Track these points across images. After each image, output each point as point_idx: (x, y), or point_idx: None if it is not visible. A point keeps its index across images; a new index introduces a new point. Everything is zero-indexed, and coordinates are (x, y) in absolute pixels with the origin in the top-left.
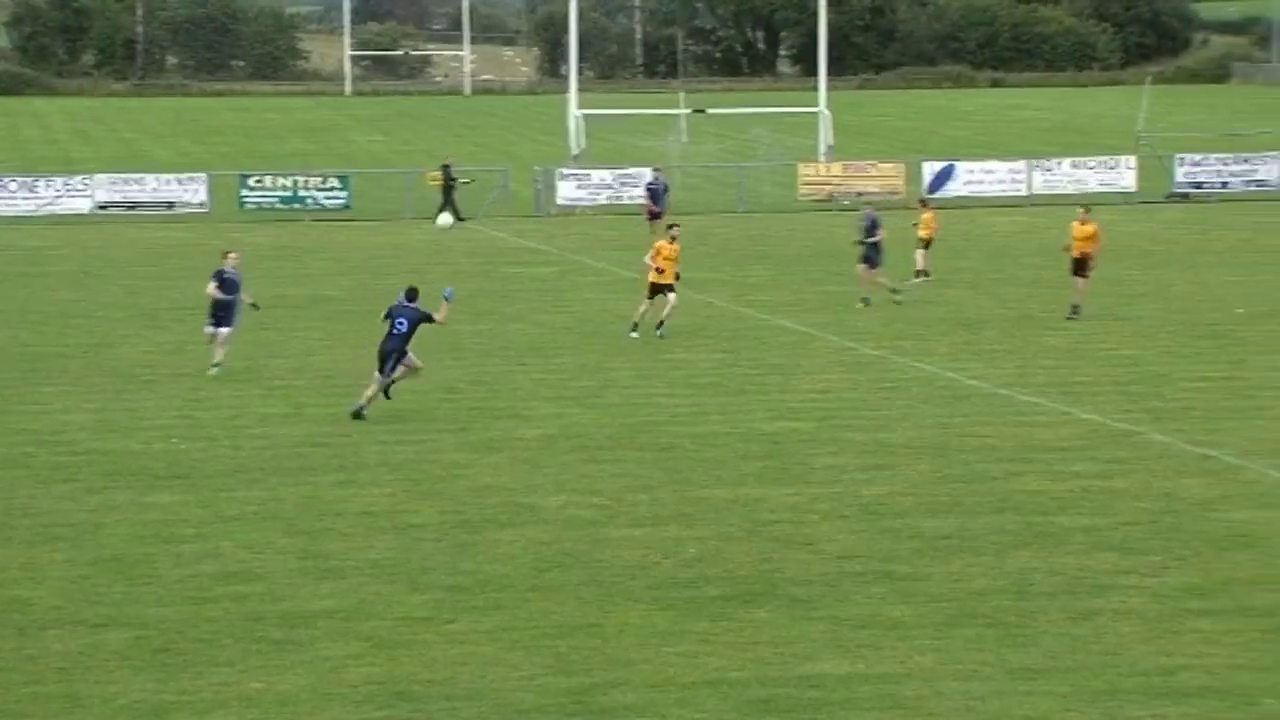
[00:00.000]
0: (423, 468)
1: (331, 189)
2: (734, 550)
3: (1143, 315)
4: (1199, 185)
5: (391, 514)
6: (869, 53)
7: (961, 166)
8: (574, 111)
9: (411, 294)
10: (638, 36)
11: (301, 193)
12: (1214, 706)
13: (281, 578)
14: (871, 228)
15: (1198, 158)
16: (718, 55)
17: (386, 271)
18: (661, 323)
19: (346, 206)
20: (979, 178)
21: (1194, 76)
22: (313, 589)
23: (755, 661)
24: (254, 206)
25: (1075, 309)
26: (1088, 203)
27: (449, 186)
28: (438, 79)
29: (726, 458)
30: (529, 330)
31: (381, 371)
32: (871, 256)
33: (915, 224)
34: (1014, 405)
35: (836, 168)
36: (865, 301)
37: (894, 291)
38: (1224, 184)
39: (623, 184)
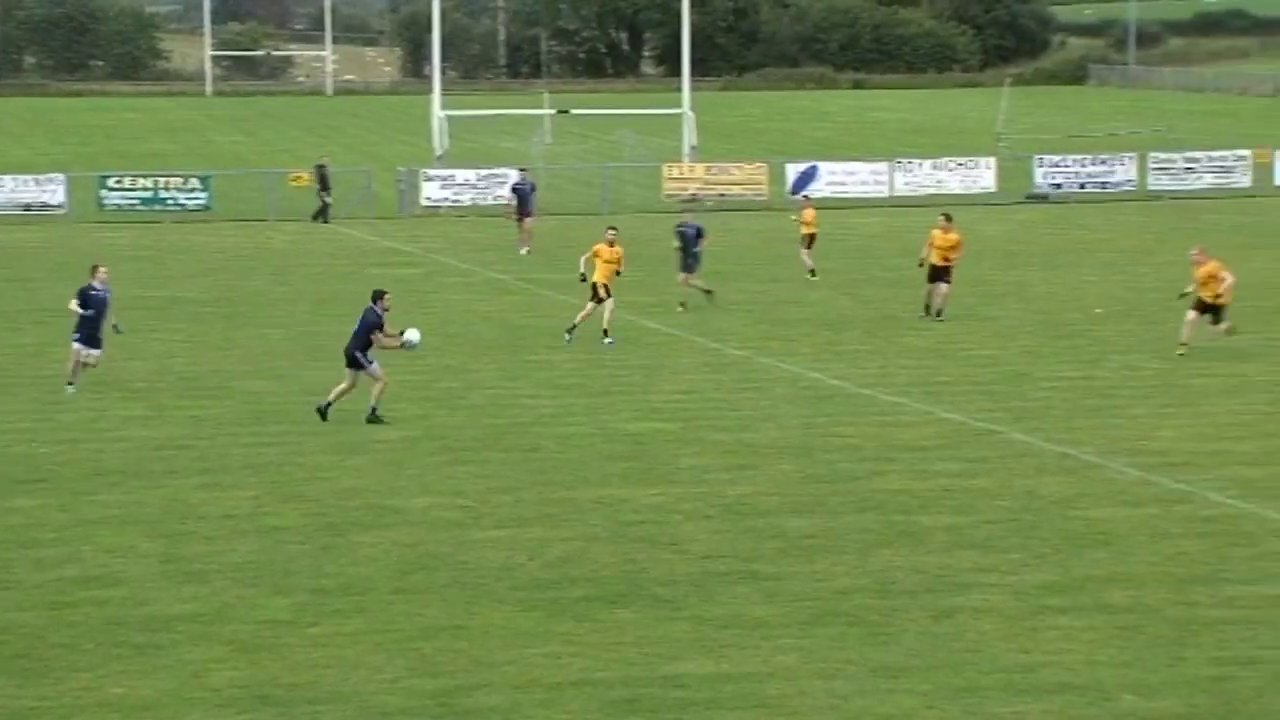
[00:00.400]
0: (286, 470)
1: (192, 190)
2: (598, 551)
3: (1002, 315)
4: (1058, 186)
5: (254, 517)
6: (732, 54)
7: (824, 167)
8: (437, 112)
9: (375, 295)
10: (501, 37)
11: (162, 194)
12: (1073, 702)
13: (143, 582)
14: (695, 237)
15: (1056, 159)
16: (581, 56)
17: (248, 273)
18: (606, 331)
19: (207, 207)
20: (841, 179)
21: (1052, 78)
22: (175, 593)
23: (620, 662)
24: (114, 208)
25: (938, 313)
26: (948, 209)
27: (325, 187)
28: (300, 79)
29: (591, 458)
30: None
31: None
32: (691, 265)
33: (796, 219)
34: (876, 405)
35: (700, 169)
36: (683, 306)
37: (708, 293)
38: (1082, 185)
39: (487, 185)
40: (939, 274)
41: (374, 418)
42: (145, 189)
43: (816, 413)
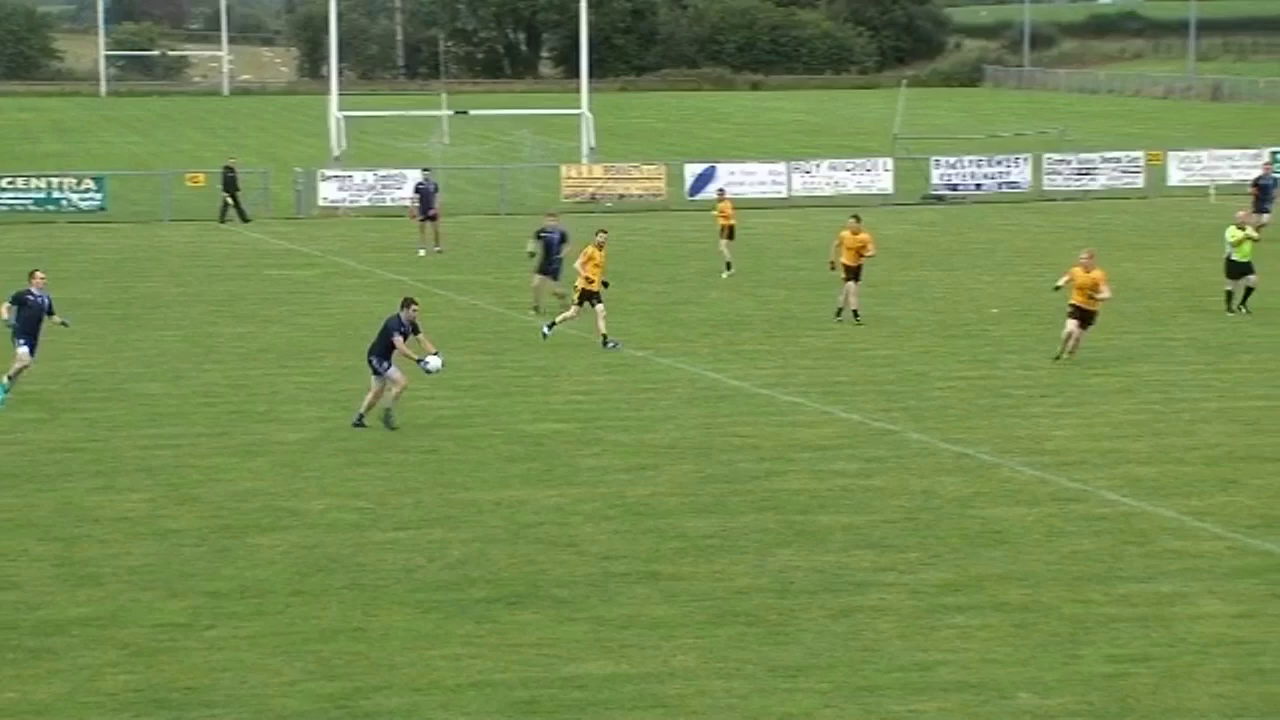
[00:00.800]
0: (182, 472)
1: (86, 191)
2: (498, 552)
3: (900, 316)
4: (954, 187)
5: (150, 519)
6: (630, 55)
7: (723, 168)
8: (335, 113)
9: (403, 302)
10: (399, 38)
11: (55, 194)
12: (969, 701)
13: (36, 585)
14: (559, 243)
15: (952, 160)
16: (479, 57)
17: (143, 274)
18: (605, 336)
19: (102, 208)
20: (739, 179)
21: (948, 80)
22: (69, 596)
23: (519, 663)
24: (6, 209)
25: (855, 313)
26: (848, 209)
27: (232, 189)
28: (196, 80)
29: (490, 460)
30: (290, 333)
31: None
32: (553, 270)
33: (715, 212)
34: (775, 405)
35: (599, 169)
36: (536, 309)
37: (560, 296)
38: (978, 185)
39: (385, 185)
40: (852, 273)
41: (388, 422)
42: (38, 189)
43: (716, 413)
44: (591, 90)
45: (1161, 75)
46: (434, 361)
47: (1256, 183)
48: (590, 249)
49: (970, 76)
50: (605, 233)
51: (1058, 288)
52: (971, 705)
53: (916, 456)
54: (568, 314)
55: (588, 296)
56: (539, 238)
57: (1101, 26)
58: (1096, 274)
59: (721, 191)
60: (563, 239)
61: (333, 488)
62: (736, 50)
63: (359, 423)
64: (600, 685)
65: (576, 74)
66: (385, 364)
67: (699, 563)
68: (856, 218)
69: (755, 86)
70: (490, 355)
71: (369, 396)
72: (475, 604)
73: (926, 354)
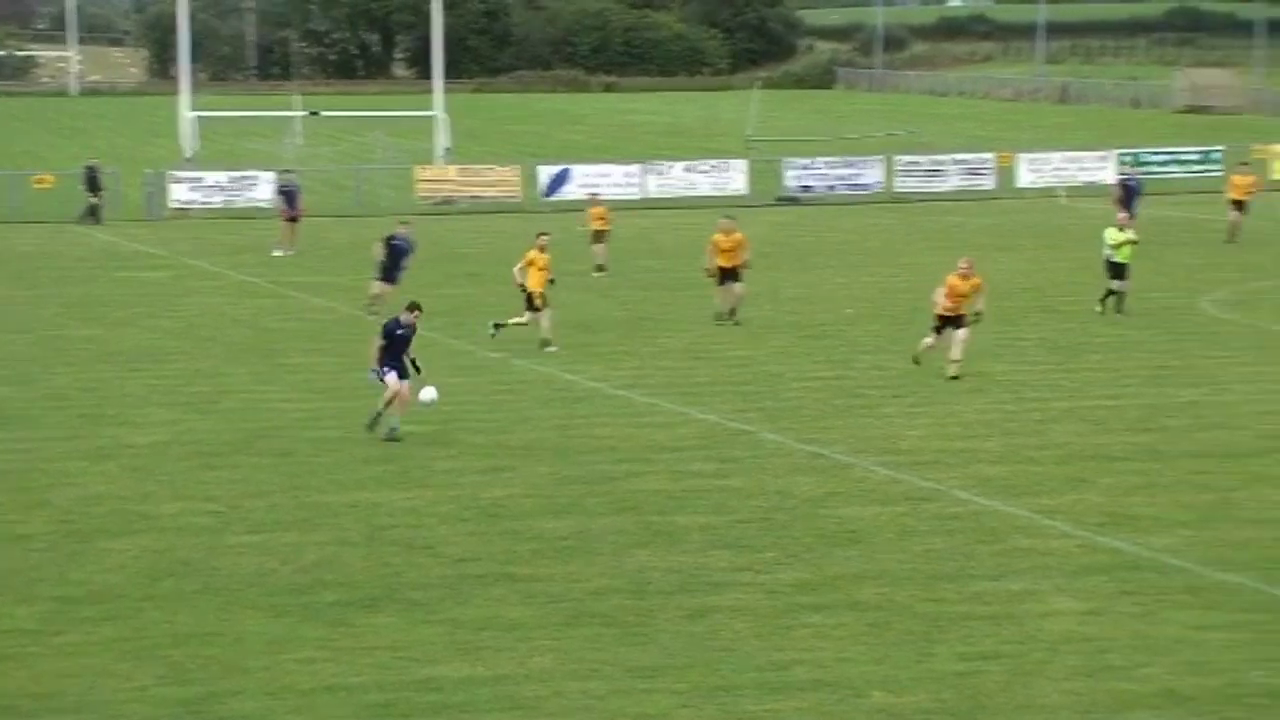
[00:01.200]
0: (30, 476)
1: None
2: (352, 556)
3: (756, 316)
4: (807, 188)
5: None
6: (485, 56)
7: (578, 170)
8: (186, 113)
9: (409, 306)
10: (251, 38)
11: None
12: (825, 699)
13: None
14: (407, 252)
15: (805, 161)
16: (332, 58)
17: None
18: (548, 341)
19: None
20: (594, 181)
21: (800, 81)
22: None
23: (374, 667)
24: None
25: (731, 313)
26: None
27: (95, 188)
28: (44, 80)
29: (345, 462)
30: (141, 335)
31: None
32: (394, 277)
33: (584, 223)
34: (632, 406)
35: (454, 171)
36: (375, 313)
37: (374, 301)
38: (831, 187)
39: (238, 187)
40: (728, 275)
41: (374, 422)
42: None
43: (572, 414)
44: (446, 91)
45: (1010, 77)
46: (427, 394)
47: (1122, 185)
48: (532, 253)
49: (822, 78)
50: (547, 234)
51: (935, 304)
52: (827, 704)
53: (772, 457)
54: (520, 319)
55: (532, 301)
56: (388, 243)
57: (952, 29)
58: (975, 281)
59: (593, 195)
60: (410, 249)
61: (185, 491)
62: (591, 52)
63: (393, 435)
64: (456, 688)
65: (430, 75)
66: (385, 369)
67: (555, 564)
68: (730, 218)
69: (610, 88)
70: (344, 357)
71: (394, 402)
72: (329, 607)
73: (782, 355)
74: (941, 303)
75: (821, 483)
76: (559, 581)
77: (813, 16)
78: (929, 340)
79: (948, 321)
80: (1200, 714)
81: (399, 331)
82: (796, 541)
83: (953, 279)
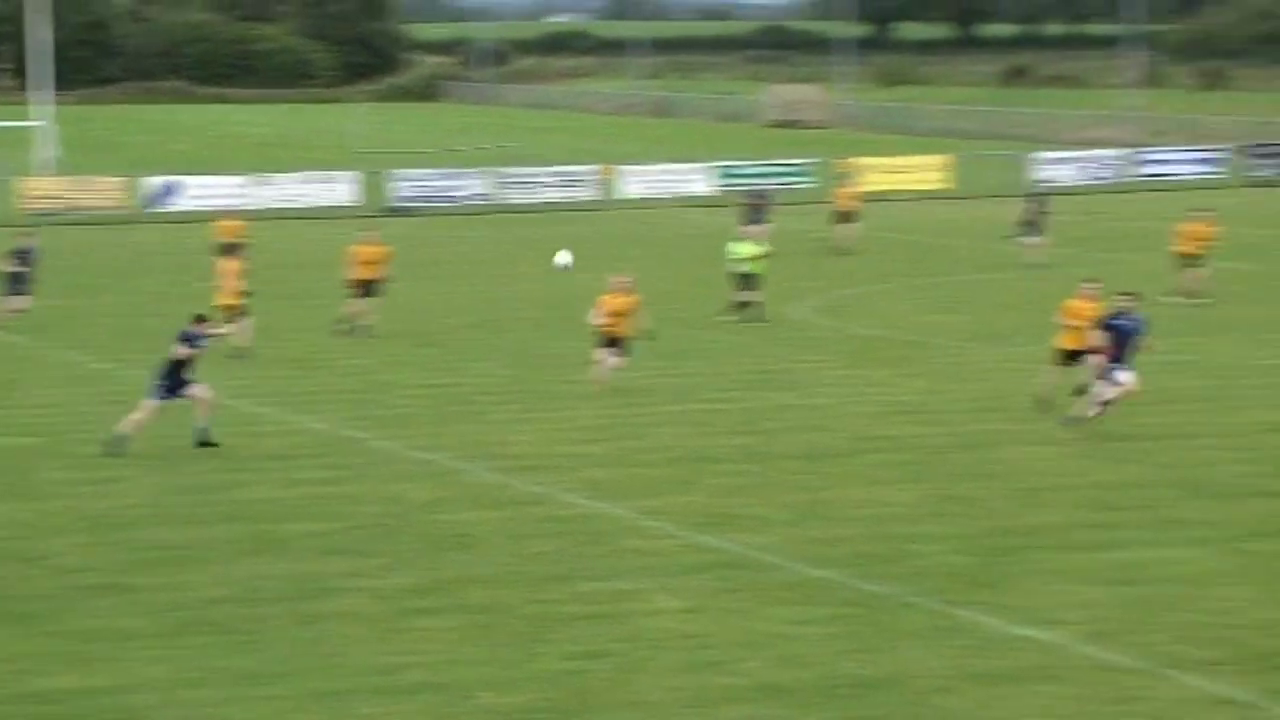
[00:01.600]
0: None
1: None
2: None
3: (367, 325)
4: (414, 200)
5: None
6: (90, 67)
7: (188, 181)
8: None
9: (194, 318)
10: None
11: None
12: (435, 701)
13: None
14: (27, 255)
15: (412, 173)
16: None
17: None
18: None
19: None
20: (205, 192)
21: (406, 94)
22: None
23: None
24: None
25: (366, 328)
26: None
27: None
28: None
29: None
30: None
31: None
32: (22, 289)
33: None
34: (244, 415)
35: (62, 182)
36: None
37: (15, 315)
38: (436, 198)
39: None
40: (365, 289)
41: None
42: None
43: (184, 424)
44: (54, 102)
45: (611, 92)
46: (563, 257)
47: (758, 195)
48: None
49: (427, 91)
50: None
51: (597, 325)
52: (438, 706)
53: (384, 463)
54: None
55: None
56: (15, 256)
57: (554, 44)
58: (633, 299)
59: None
60: (35, 256)
61: None
62: (197, 64)
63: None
64: (70, 698)
65: (33, 86)
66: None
67: (168, 574)
68: (368, 231)
69: (218, 100)
70: None
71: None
72: None
73: (394, 363)
74: (599, 321)
75: (433, 488)
76: (171, 591)
77: (418, 30)
78: (604, 355)
79: (612, 340)
80: (797, 705)
81: (188, 339)
82: (408, 547)
83: (607, 297)
